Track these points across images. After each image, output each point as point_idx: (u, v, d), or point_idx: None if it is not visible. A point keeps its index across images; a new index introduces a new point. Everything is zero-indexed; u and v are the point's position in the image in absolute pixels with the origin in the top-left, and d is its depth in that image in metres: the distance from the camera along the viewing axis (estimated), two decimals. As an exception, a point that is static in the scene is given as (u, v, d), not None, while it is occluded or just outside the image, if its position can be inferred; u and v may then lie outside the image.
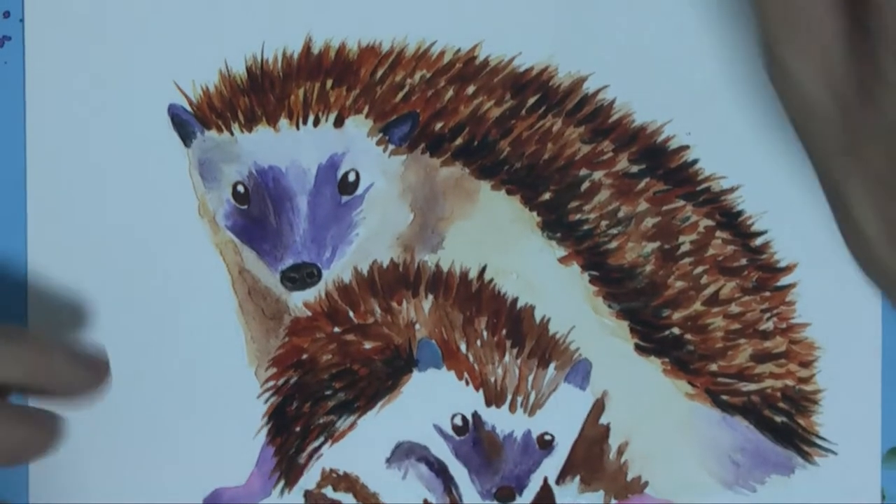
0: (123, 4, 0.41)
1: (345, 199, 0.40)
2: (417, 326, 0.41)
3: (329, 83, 0.40)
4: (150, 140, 0.41)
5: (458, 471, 0.41)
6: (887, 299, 0.39)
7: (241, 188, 0.40)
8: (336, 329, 0.41)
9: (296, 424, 0.41)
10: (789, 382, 0.41)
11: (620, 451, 0.41)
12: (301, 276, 0.40)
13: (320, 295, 0.41)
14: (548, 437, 0.41)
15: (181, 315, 0.41)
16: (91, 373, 0.37)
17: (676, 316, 0.41)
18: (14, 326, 0.37)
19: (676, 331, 0.41)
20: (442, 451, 0.41)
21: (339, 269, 0.41)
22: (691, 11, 0.40)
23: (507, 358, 0.41)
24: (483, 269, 0.41)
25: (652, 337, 0.41)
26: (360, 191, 0.40)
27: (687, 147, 0.41)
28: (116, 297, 0.41)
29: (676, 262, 0.41)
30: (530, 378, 0.41)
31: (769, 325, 0.41)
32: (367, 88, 0.40)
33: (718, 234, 0.41)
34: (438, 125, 0.40)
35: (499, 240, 0.41)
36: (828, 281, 0.41)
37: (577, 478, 0.41)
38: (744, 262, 0.41)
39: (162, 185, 0.41)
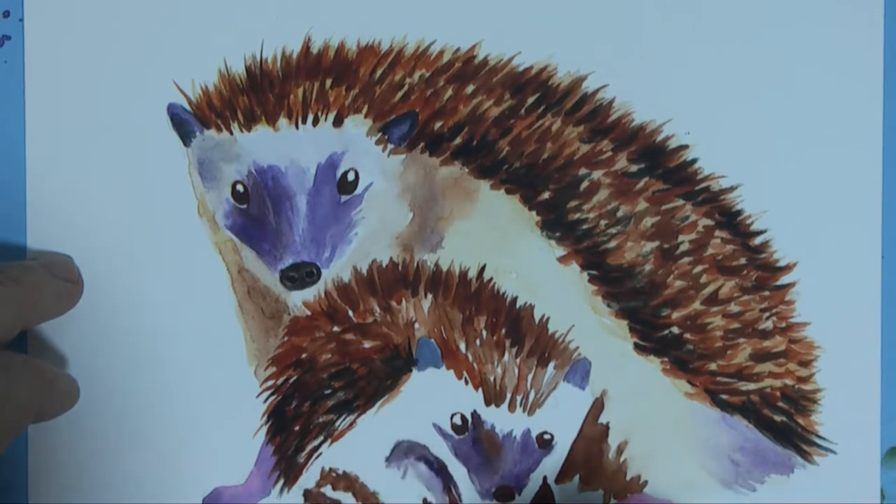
0: (123, 4, 0.41)
1: (344, 198, 0.40)
2: (417, 326, 0.41)
3: (328, 82, 0.40)
4: (150, 139, 0.41)
5: (458, 470, 0.41)
6: None
7: (240, 187, 0.40)
8: (335, 328, 0.41)
9: (295, 424, 0.41)
10: (789, 382, 0.41)
11: (620, 451, 0.41)
12: (300, 275, 0.40)
13: (319, 294, 0.41)
14: (547, 437, 0.41)
15: (180, 314, 0.41)
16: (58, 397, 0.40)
17: (676, 315, 0.41)
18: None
19: (676, 330, 0.41)
20: (441, 450, 0.41)
21: (338, 269, 0.41)
22: (691, 11, 0.40)
23: (506, 357, 0.41)
24: (482, 269, 0.41)
25: (651, 336, 0.41)
26: (359, 190, 0.40)
27: (686, 146, 0.41)
28: (116, 297, 0.41)
29: (676, 261, 0.41)
30: (529, 377, 0.41)
31: (768, 325, 0.41)
32: (366, 88, 0.40)
33: (718, 233, 0.41)
34: (437, 124, 0.40)
35: (498, 239, 0.41)
36: (827, 280, 0.41)
37: (577, 477, 0.41)
38: (743, 261, 0.41)
39: (161, 184, 0.41)
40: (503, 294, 0.41)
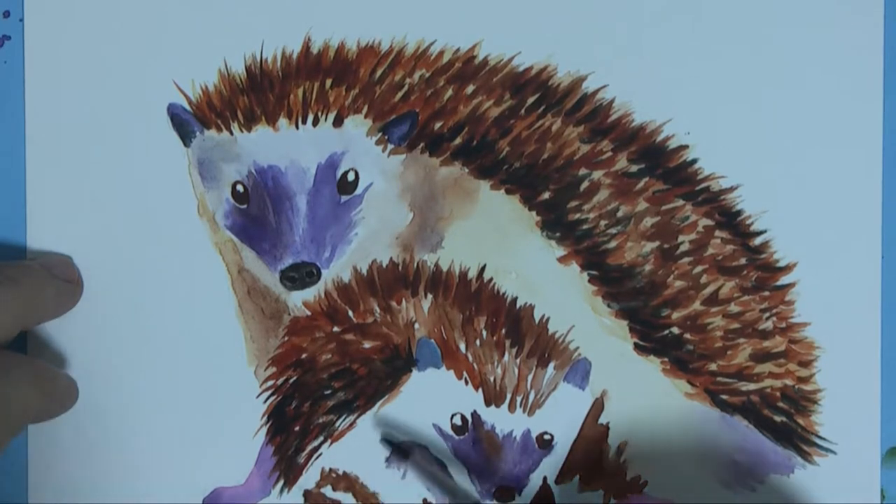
0: (123, 4, 0.41)
1: (344, 198, 0.40)
2: (417, 326, 0.41)
3: (328, 82, 0.40)
4: (150, 139, 0.41)
5: (458, 470, 0.41)
6: None
7: (240, 188, 0.40)
8: (335, 328, 0.41)
9: (295, 424, 0.41)
10: (789, 382, 0.41)
11: (620, 451, 0.41)
12: (300, 275, 0.40)
13: (319, 294, 0.41)
14: (547, 437, 0.41)
15: (181, 314, 0.41)
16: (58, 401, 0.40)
17: (676, 315, 0.41)
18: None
19: (676, 330, 0.41)
20: (441, 450, 0.41)
21: (338, 269, 0.41)
22: (691, 11, 0.40)
23: (506, 357, 0.41)
24: (482, 269, 0.41)
25: (651, 336, 0.41)
26: (359, 190, 0.40)
27: (686, 146, 0.41)
28: (116, 297, 0.41)
29: (676, 261, 0.41)
30: (530, 377, 0.41)
31: (768, 325, 0.41)
32: (366, 88, 0.40)
33: (718, 233, 0.41)
34: (437, 125, 0.40)
35: (498, 239, 0.41)
36: (827, 280, 0.41)
37: (577, 477, 0.41)
38: (743, 261, 0.41)
39: (161, 184, 0.41)
40: (503, 294, 0.41)
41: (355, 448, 0.41)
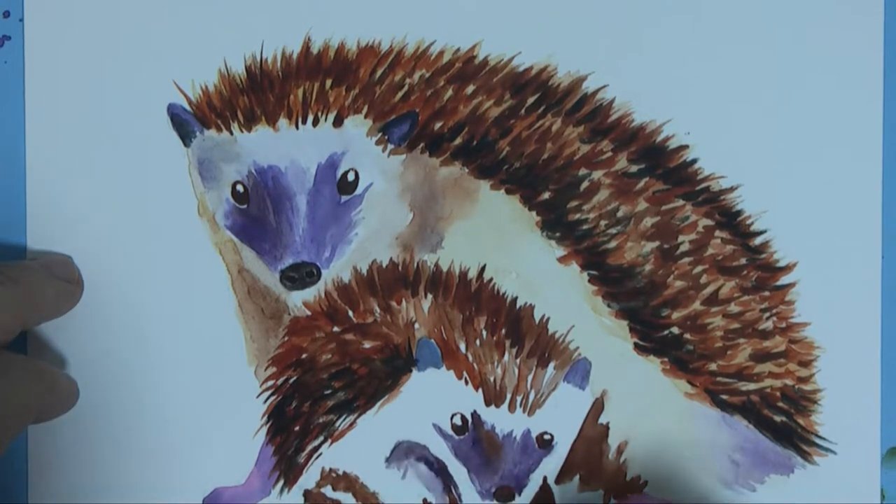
0: (123, 4, 0.41)
1: (344, 198, 0.40)
2: (417, 326, 0.41)
3: (328, 83, 0.40)
4: (150, 139, 0.41)
5: (458, 470, 0.41)
6: None
7: (240, 188, 0.40)
8: (335, 328, 0.41)
9: (295, 424, 0.41)
10: (789, 382, 0.41)
11: (620, 451, 0.41)
12: (300, 275, 0.40)
13: (319, 294, 0.41)
14: (547, 437, 0.41)
15: (181, 314, 0.41)
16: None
17: (676, 315, 0.41)
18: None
19: (676, 330, 0.41)
20: (441, 450, 0.41)
21: (338, 269, 0.41)
22: (691, 11, 0.40)
23: (506, 357, 0.41)
24: (482, 269, 0.41)
25: (651, 336, 0.41)
26: (359, 190, 0.40)
27: (686, 146, 0.41)
28: (116, 297, 0.41)
29: (676, 261, 0.41)
30: (530, 377, 0.41)
31: (768, 325, 0.41)
32: (366, 88, 0.40)
33: (718, 233, 0.41)
34: (438, 125, 0.40)
35: (498, 239, 0.41)
36: (827, 280, 0.41)
37: (577, 477, 0.41)
38: (743, 261, 0.41)
39: (161, 184, 0.41)
40: (503, 294, 0.41)
41: (355, 448, 0.41)
